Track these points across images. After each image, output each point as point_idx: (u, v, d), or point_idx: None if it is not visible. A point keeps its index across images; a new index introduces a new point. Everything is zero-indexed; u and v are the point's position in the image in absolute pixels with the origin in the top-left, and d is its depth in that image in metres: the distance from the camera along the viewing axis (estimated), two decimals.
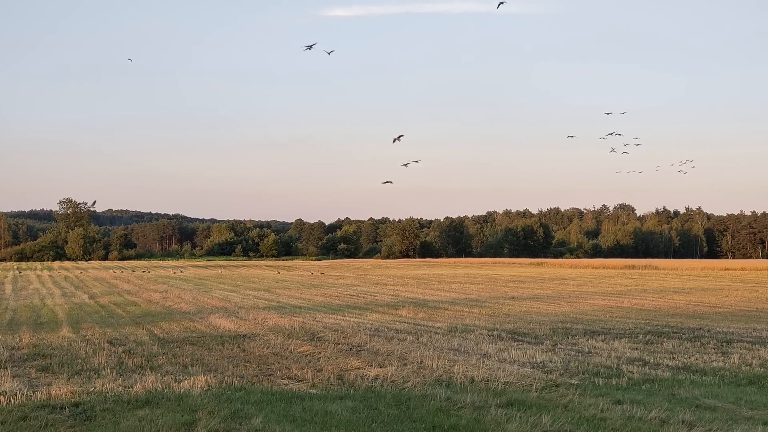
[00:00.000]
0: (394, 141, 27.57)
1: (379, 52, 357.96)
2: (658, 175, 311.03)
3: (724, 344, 22.72)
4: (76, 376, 16.64)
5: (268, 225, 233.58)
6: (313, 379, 16.08)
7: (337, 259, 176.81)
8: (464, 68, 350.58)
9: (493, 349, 20.92)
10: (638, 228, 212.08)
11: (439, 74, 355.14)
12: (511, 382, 15.32)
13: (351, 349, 21.37)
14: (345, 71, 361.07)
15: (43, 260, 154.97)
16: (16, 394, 13.70)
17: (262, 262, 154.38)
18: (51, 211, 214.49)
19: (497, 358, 19.34)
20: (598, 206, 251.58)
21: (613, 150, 50.50)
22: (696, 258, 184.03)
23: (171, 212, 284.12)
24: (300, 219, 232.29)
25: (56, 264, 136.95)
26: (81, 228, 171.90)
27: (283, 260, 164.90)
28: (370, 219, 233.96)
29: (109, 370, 17.32)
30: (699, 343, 23.01)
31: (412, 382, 15.42)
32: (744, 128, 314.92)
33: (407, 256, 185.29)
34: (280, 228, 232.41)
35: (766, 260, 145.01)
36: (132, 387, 14.62)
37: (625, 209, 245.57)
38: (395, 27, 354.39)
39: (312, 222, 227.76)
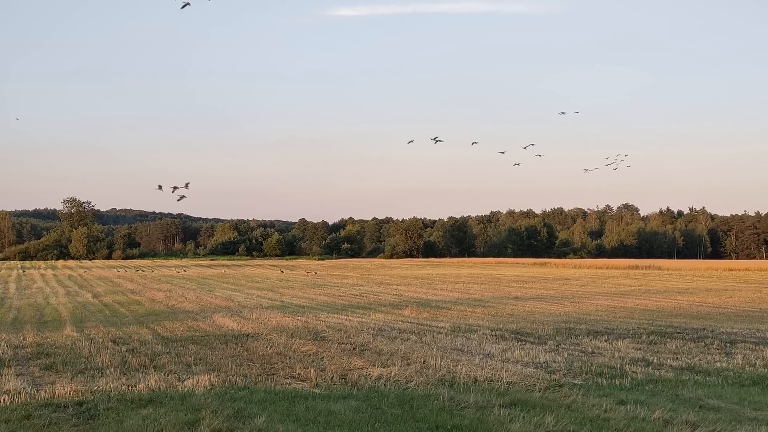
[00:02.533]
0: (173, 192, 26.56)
1: (385, 51, 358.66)
2: (662, 176, 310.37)
3: (728, 345, 22.68)
4: (79, 375, 16.66)
5: (271, 224, 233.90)
6: (316, 379, 16.08)
7: (340, 258, 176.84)
8: (469, 67, 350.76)
9: (497, 349, 20.90)
10: (642, 228, 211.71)
11: (444, 73, 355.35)
12: (515, 382, 15.30)
13: (354, 348, 21.37)
14: (350, 71, 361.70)
15: (47, 259, 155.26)
16: (19, 393, 13.73)
17: (266, 261, 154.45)
18: (55, 210, 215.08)
19: (500, 358, 19.32)
20: (601, 206, 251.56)
21: (503, 152, 53.46)
22: (700, 258, 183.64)
23: (174, 211, 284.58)
24: (303, 218, 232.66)
25: (60, 263, 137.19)
26: (85, 227, 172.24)
27: (286, 260, 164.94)
28: (374, 219, 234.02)
29: (112, 369, 17.35)
30: (702, 343, 22.97)
31: (416, 381, 15.42)
32: (748, 128, 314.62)
33: (411, 255, 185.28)
34: (283, 227, 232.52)
35: None
36: (135, 386, 14.64)
37: (629, 209, 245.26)
38: (401, 27, 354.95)
39: (315, 221, 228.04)
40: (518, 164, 61.28)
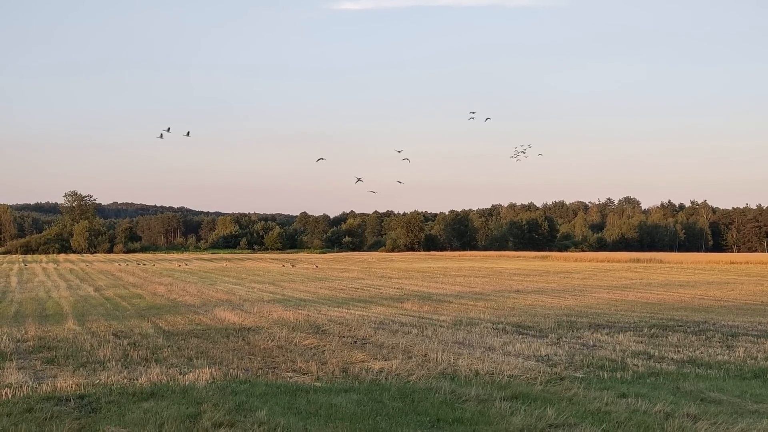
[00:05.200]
0: None
1: (388, 46, 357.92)
2: (664, 169, 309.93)
3: (729, 338, 22.69)
4: (81, 369, 16.69)
5: (272, 218, 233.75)
6: (317, 372, 16.10)
7: (341, 252, 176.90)
8: (471, 62, 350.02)
9: (498, 343, 20.92)
10: (643, 221, 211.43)
11: (447, 68, 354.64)
12: (516, 376, 15.31)
13: (356, 342, 21.39)
14: (353, 65, 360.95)
15: (49, 253, 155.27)
16: (21, 386, 13.76)
17: (267, 255, 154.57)
18: (56, 203, 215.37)
19: (502, 351, 19.34)
20: (603, 200, 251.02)
21: (400, 156, 54.72)
22: (701, 251, 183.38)
23: (176, 205, 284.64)
24: (305, 212, 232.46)
25: (61, 257, 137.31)
26: (86, 221, 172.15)
27: (287, 253, 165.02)
28: (375, 212, 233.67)
29: (114, 363, 17.38)
30: (704, 336, 22.98)
31: (417, 375, 15.43)
32: (750, 121, 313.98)
33: (412, 249, 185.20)
34: (285, 221, 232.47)
35: None
36: (137, 379, 14.66)
37: (630, 203, 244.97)
38: (404, 21, 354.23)
39: (317, 215, 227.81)
40: (541, 155, 59.84)
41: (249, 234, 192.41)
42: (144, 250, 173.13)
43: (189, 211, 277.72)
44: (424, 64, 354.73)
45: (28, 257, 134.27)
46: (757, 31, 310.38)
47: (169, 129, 35.52)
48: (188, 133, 38.60)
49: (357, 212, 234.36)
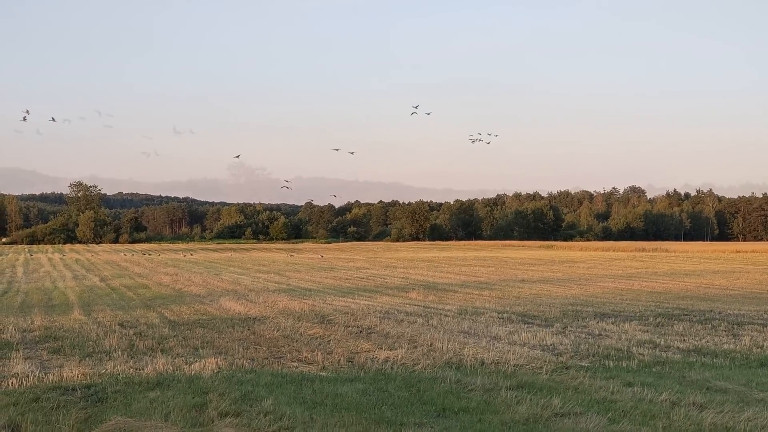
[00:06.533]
0: None
1: (388, 35, 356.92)
2: (669, 158, 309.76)
3: (735, 326, 22.64)
4: (87, 359, 16.73)
5: (277, 208, 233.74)
6: (323, 362, 16.11)
7: (347, 241, 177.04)
8: (474, 53, 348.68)
9: (503, 332, 20.91)
10: (649, 210, 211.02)
11: (450, 58, 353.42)
12: (522, 365, 15.31)
13: (361, 331, 21.41)
14: (354, 56, 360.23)
15: (54, 243, 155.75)
16: (28, 376, 13.81)
17: (272, 245, 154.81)
18: (62, 194, 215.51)
19: (507, 340, 19.33)
20: (608, 189, 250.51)
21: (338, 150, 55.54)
22: (707, 240, 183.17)
23: (181, 195, 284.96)
24: (310, 202, 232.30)
25: (67, 247, 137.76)
26: (92, 211, 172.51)
27: (293, 243, 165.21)
28: (380, 202, 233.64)
29: (120, 353, 17.41)
30: (710, 325, 22.94)
31: (422, 364, 15.43)
32: (756, 111, 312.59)
33: (417, 239, 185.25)
34: (289, 211, 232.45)
35: None
36: (143, 369, 14.70)
37: (636, 192, 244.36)
38: (404, 11, 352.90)
39: (322, 205, 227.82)
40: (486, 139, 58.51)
41: (254, 224, 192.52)
42: (149, 240, 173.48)
43: (194, 201, 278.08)
44: (426, 54, 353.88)
45: (34, 247, 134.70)
46: (759, 22, 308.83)
47: (28, 111, 35.95)
48: (53, 118, 39.74)
49: (362, 202, 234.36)
